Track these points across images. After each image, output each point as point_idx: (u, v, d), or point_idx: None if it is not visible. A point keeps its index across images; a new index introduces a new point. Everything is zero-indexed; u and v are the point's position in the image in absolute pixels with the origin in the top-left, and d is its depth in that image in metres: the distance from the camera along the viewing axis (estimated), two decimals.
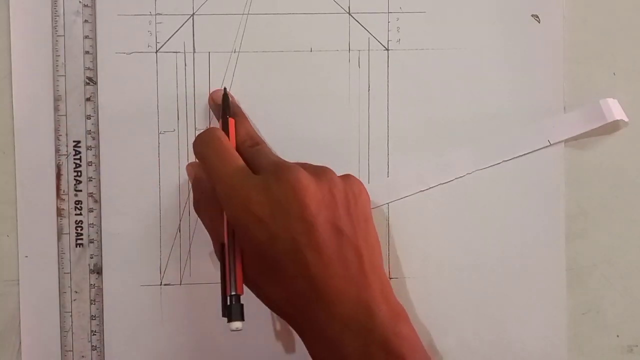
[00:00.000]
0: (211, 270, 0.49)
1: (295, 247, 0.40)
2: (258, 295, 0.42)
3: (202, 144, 0.44)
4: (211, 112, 0.49)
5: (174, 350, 0.49)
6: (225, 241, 0.42)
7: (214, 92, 0.49)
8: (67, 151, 0.49)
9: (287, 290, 0.40)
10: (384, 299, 0.41)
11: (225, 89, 0.48)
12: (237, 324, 0.41)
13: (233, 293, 0.42)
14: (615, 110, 0.49)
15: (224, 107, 0.47)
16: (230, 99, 0.48)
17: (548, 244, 0.50)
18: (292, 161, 0.44)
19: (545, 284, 0.50)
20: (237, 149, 0.45)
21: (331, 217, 0.41)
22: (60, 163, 0.49)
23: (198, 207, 0.46)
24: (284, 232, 0.40)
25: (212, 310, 0.49)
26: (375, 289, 0.41)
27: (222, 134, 0.44)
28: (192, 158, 0.49)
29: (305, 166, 0.43)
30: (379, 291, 0.41)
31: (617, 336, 0.51)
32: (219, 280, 0.48)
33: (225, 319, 0.42)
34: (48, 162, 0.49)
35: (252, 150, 0.45)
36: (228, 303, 0.42)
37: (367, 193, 0.44)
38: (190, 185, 0.48)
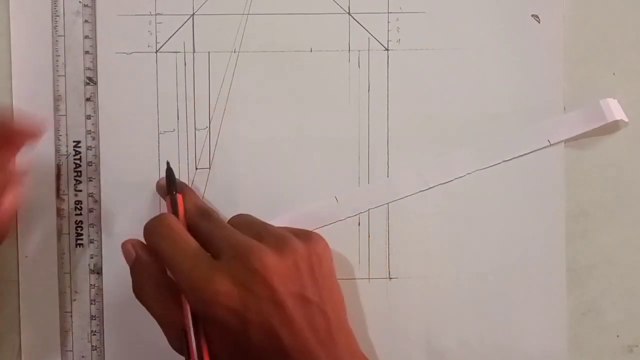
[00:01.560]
0: None
1: (268, 328, 0.40)
2: None
3: (155, 234, 0.43)
4: (211, 112, 0.49)
5: (174, 350, 0.49)
6: (190, 328, 0.41)
7: (159, 180, 0.48)
8: (67, 151, 0.49)
9: None
10: (350, 354, 0.43)
11: (168, 163, 0.47)
12: None
13: None
14: (615, 110, 0.49)
15: (169, 183, 0.46)
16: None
17: (548, 244, 0.50)
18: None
19: (545, 284, 0.50)
20: (189, 225, 0.44)
21: (298, 289, 0.41)
22: (60, 163, 0.49)
23: (143, 293, 0.44)
24: (256, 316, 0.40)
25: None
26: (342, 347, 0.42)
27: (173, 219, 0.43)
28: (192, 158, 0.49)
29: (265, 235, 0.43)
30: (345, 349, 0.42)
31: (617, 336, 0.51)
32: None
33: None
34: (48, 162, 0.49)
35: (206, 226, 0.44)
36: None
37: (329, 248, 0.45)
38: (129, 267, 0.45)
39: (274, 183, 0.49)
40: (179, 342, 0.42)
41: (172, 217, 0.44)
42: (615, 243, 0.51)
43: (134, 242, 0.45)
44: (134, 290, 0.44)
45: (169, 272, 0.43)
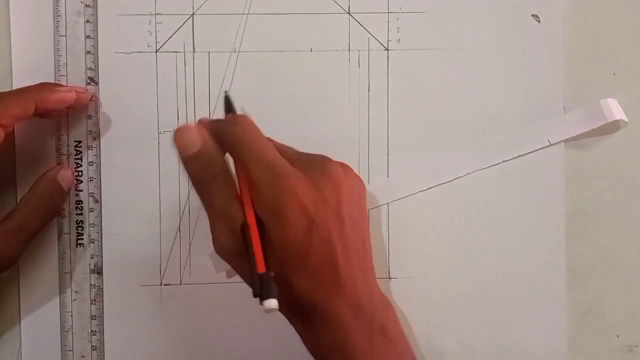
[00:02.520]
0: (211, 270, 0.49)
1: (328, 238, 0.40)
2: (279, 286, 0.41)
3: (238, 127, 0.42)
4: (211, 112, 0.49)
5: (174, 350, 0.49)
6: (252, 220, 0.40)
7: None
8: (68, 151, 0.49)
9: (312, 280, 0.41)
10: (377, 286, 0.44)
11: (225, 91, 0.47)
12: (272, 302, 0.39)
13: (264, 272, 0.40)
14: (615, 110, 0.49)
15: (228, 107, 0.45)
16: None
17: (548, 244, 0.50)
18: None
19: (545, 284, 0.50)
20: None
21: (354, 212, 0.42)
22: (62, 163, 0.49)
23: (203, 182, 0.42)
24: (322, 222, 0.40)
25: (212, 310, 0.49)
26: (373, 276, 0.43)
27: (253, 121, 0.43)
28: None
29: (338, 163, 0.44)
30: (375, 278, 0.44)
31: (617, 336, 0.51)
32: (219, 281, 0.48)
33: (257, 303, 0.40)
34: (49, 162, 0.49)
35: (273, 142, 0.44)
36: (259, 282, 0.39)
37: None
38: (186, 157, 0.42)
39: None
40: (230, 239, 0.41)
41: (252, 120, 0.43)
42: (615, 243, 0.51)
43: (201, 129, 0.42)
44: (194, 180, 0.42)
45: (233, 168, 0.42)
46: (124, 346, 0.49)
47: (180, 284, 0.49)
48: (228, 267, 0.48)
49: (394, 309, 0.44)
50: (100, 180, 0.49)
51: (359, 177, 0.44)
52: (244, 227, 0.40)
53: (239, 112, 0.45)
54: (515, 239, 0.50)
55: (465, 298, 0.50)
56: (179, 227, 0.49)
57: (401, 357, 0.43)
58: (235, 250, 0.41)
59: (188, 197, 0.49)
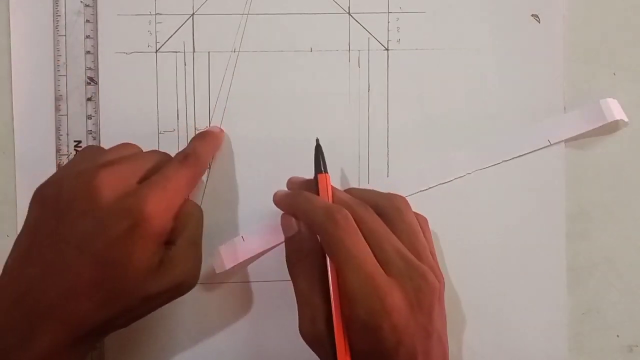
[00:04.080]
0: (211, 270, 0.49)
1: (413, 354, 0.40)
2: None
3: (339, 230, 0.41)
4: (211, 112, 0.49)
5: (174, 350, 0.49)
6: (338, 318, 0.40)
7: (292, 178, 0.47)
8: (68, 151, 0.49)
9: None
10: None
11: (317, 140, 0.46)
12: None
13: None
14: (615, 110, 0.49)
15: (318, 161, 0.45)
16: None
17: (548, 244, 0.50)
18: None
19: (545, 284, 0.50)
20: None
21: (442, 327, 0.42)
22: (61, 163, 0.49)
23: (295, 267, 0.43)
24: (410, 338, 0.40)
25: (212, 310, 0.49)
26: None
27: (350, 215, 0.41)
28: None
29: (429, 260, 0.43)
30: None
31: (617, 336, 0.51)
32: (219, 281, 0.48)
33: None
34: (49, 162, 0.49)
35: (369, 221, 0.42)
36: None
37: None
38: (285, 238, 0.45)
39: (274, 183, 0.49)
40: (311, 326, 0.41)
41: (349, 214, 0.41)
42: (615, 243, 0.51)
43: (293, 219, 0.44)
44: (287, 261, 0.44)
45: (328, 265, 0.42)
46: (124, 345, 0.49)
47: None
48: (227, 267, 0.48)
49: None
50: None
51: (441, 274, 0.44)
52: (330, 323, 0.41)
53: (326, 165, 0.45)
54: (515, 239, 0.50)
55: (465, 298, 0.50)
56: None
57: None
58: (315, 337, 0.41)
59: (188, 197, 0.49)
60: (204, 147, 0.46)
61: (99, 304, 0.39)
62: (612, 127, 0.50)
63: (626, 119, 0.50)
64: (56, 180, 0.42)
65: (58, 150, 0.49)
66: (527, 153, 0.50)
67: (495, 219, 0.50)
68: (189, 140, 0.48)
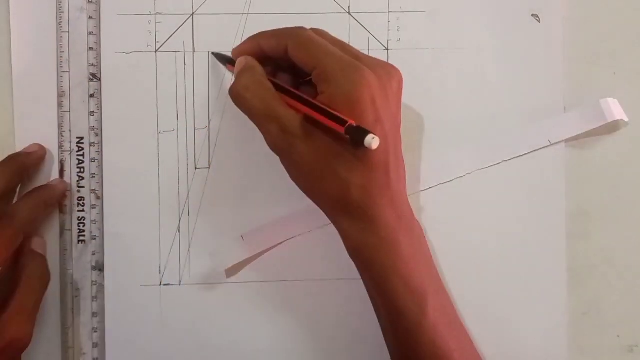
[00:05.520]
0: (211, 270, 0.49)
1: (386, 138, 0.41)
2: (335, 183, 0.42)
3: (304, 31, 0.44)
4: (211, 112, 0.49)
5: (174, 350, 0.49)
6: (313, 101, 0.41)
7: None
8: (70, 147, 0.49)
9: (366, 177, 0.41)
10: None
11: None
12: (374, 140, 0.39)
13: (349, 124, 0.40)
14: (615, 110, 0.49)
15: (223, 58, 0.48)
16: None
17: (548, 244, 0.50)
18: None
19: (545, 284, 0.50)
20: None
21: (401, 122, 0.45)
22: (64, 159, 0.49)
23: (246, 92, 0.43)
24: (385, 121, 0.41)
25: (212, 310, 0.49)
26: (405, 188, 0.45)
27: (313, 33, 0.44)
28: (192, 158, 0.49)
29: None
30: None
31: (617, 336, 0.51)
32: (219, 281, 0.48)
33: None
34: (51, 158, 0.49)
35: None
36: (349, 133, 0.40)
37: None
38: (236, 73, 0.45)
39: (273, 182, 0.49)
40: (281, 137, 0.42)
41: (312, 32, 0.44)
42: (615, 243, 0.51)
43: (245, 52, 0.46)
44: (235, 92, 0.43)
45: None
46: (124, 344, 0.49)
47: (180, 284, 0.49)
48: (227, 267, 0.49)
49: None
50: (102, 177, 0.49)
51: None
52: (307, 119, 0.41)
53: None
54: (515, 239, 0.50)
55: (465, 298, 0.50)
56: (179, 227, 0.49)
57: (433, 270, 0.46)
58: (285, 146, 0.42)
59: (188, 197, 0.49)
60: (26, 206, 0.47)
61: None
62: (612, 127, 0.50)
63: (626, 119, 0.50)
64: None
65: (60, 147, 0.49)
66: (527, 153, 0.50)
67: (495, 218, 0.50)
68: (188, 140, 0.49)
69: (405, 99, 0.49)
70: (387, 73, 0.43)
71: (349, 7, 0.50)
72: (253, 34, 0.46)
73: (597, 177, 0.51)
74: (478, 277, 0.50)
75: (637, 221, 0.51)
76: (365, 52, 0.49)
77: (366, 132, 0.39)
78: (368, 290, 0.45)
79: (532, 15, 0.50)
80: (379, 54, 0.50)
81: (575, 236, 0.50)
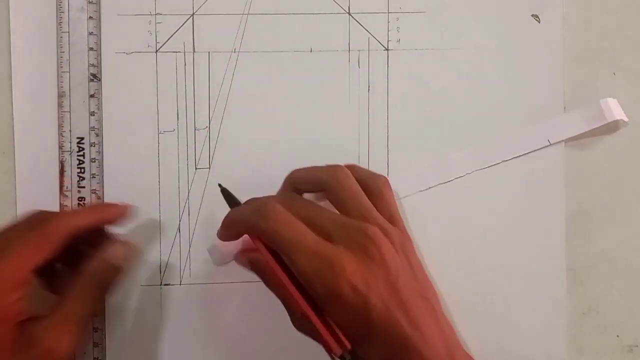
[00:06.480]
0: (211, 270, 0.49)
1: (387, 309, 0.40)
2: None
3: (269, 221, 0.41)
4: (211, 112, 0.49)
5: (174, 350, 0.49)
6: (309, 308, 0.41)
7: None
8: (70, 148, 0.49)
9: (382, 351, 0.41)
10: (456, 339, 0.44)
11: (219, 185, 0.46)
12: None
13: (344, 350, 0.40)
14: (615, 110, 0.49)
15: (230, 199, 0.46)
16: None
17: (548, 244, 0.50)
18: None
19: (545, 284, 0.50)
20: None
21: (405, 268, 0.42)
22: (64, 160, 0.49)
23: (270, 285, 0.45)
24: (376, 297, 0.40)
25: (212, 310, 0.49)
26: (448, 327, 0.43)
27: (280, 207, 0.41)
28: (192, 158, 0.49)
29: (377, 219, 0.43)
30: (451, 328, 0.43)
31: (617, 336, 0.51)
32: (219, 281, 0.48)
33: None
34: (51, 159, 0.49)
35: (302, 208, 0.42)
36: None
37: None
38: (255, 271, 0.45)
39: (274, 183, 0.49)
40: (298, 320, 0.43)
41: (278, 205, 0.41)
42: (615, 243, 0.51)
43: (245, 254, 0.46)
44: (266, 285, 0.45)
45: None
46: (125, 344, 0.49)
47: (180, 284, 0.49)
48: (228, 262, 0.48)
49: None
50: (102, 177, 0.49)
51: (397, 228, 0.44)
52: (305, 316, 0.41)
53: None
54: (515, 239, 0.50)
55: (465, 298, 0.50)
56: (179, 228, 0.49)
57: None
58: (307, 327, 0.42)
59: (188, 197, 0.49)
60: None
61: None
62: (612, 127, 0.50)
63: (626, 119, 0.50)
64: None
65: (60, 147, 0.49)
66: (527, 153, 0.50)
67: (495, 219, 0.50)
68: (188, 140, 0.49)
69: (406, 99, 0.50)
70: (360, 243, 0.40)
71: (349, 7, 0.50)
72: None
73: (597, 177, 0.51)
74: (477, 277, 0.50)
75: (637, 221, 0.51)
76: (365, 52, 0.50)
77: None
78: None
79: (532, 15, 0.50)
80: (379, 54, 0.50)
81: (575, 236, 0.50)
